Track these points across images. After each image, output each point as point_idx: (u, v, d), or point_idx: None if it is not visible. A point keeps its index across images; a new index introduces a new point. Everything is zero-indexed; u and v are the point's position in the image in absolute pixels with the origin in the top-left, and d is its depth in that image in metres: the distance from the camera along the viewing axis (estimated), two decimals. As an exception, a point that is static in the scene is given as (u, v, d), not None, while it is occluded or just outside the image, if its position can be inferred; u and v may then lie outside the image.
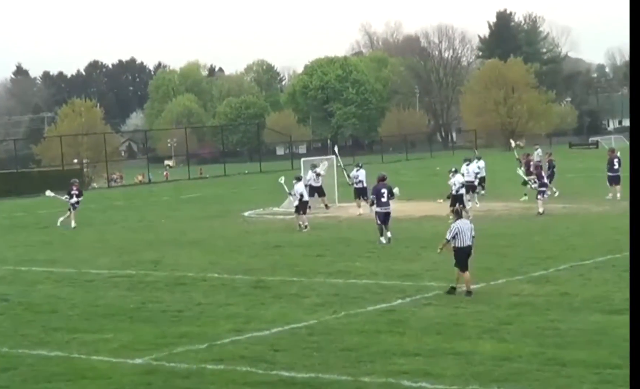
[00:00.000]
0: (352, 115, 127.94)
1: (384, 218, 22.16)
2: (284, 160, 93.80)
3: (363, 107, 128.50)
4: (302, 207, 26.71)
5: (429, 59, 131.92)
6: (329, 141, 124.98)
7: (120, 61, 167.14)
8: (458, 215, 15.60)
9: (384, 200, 22.21)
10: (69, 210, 31.98)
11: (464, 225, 15.24)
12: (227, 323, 13.69)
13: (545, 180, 28.53)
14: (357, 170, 31.65)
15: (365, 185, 30.61)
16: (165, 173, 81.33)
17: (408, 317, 13.47)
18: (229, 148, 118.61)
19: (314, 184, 31.42)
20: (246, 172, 78.17)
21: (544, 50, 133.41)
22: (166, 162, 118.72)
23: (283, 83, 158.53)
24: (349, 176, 32.15)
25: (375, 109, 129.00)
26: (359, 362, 10.96)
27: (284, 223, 29.57)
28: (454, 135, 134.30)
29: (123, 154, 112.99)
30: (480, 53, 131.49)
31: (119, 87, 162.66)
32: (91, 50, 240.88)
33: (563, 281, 15.85)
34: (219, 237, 26.03)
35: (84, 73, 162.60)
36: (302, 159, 35.96)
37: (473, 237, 15.36)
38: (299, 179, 27.85)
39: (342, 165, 34.22)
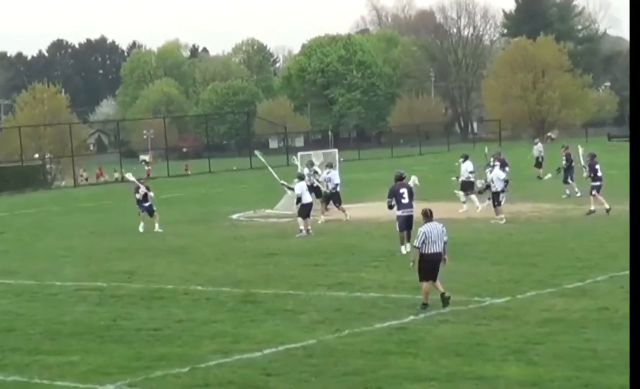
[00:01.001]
0: (356, 103, 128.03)
1: (407, 222, 21.92)
2: (278, 155, 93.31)
3: (369, 93, 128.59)
4: (305, 210, 26.68)
5: (445, 37, 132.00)
6: (330, 132, 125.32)
7: (88, 40, 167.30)
8: (427, 217, 15.60)
9: (404, 201, 22.07)
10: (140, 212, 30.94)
11: (433, 229, 15.36)
12: (212, 343, 13.69)
13: (599, 174, 28.37)
14: (328, 173, 30.36)
15: (337, 188, 30.12)
16: (147, 170, 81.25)
17: (422, 336, 13.47)
18: (214, 140, 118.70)
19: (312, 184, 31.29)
20: (234, 168, 78.17)
21: (579, 27, 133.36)
22: (142, 157, 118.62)
23: (277, 65, 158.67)
24: (318, 183, 30.85)
25: (383, 96, 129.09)
26: (365, 388, 10.95)
27: (278, 227, 29.55)
28: (475, 125, 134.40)
29: (92, 148, 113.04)
30: (505, 31, 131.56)
31: (87, 71, 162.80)
32: (54, 28, 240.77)
33: (601, 295, 15.86)
34: (203, 244, 26.03)
35: (46, 54, 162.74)
36: (299, 153, 36.02)
37: (445, 242, 15.47)
38: (300, 178, 27.81)
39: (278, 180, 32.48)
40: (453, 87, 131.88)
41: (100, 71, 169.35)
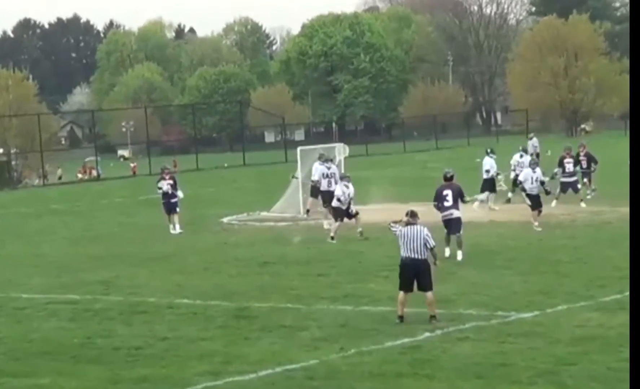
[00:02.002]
0: (364, 91, 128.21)
1: (449, 226, 22.52)
2: (274, 150, 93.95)
3: (379, 79, 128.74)
4: (339, 212, 26.88)
5: (465, 16, 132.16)
6: (334, 124, 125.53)
7: (59, 20, 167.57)
8: (409, 217, 15.87)
9: (447, 204, 22.56)
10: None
11: (413, 233, 15.57)
12: (201, 363, 13.70)
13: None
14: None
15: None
16: (133, 166, 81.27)
17: (438, 355, 13.48)
18: (202, 133, 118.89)
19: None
20: (225, 165, 78.29)
21: (618, 4, 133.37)
22: (120, 152, 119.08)
23: (274, 48, 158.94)
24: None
25: (394, 83, 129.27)
26: (374, 415, 10.99)
27: (275, 232, 29.57)
28: (499, 116, 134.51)
29: (64, 142, 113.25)
30: (534, 9, 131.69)
31: (58, 54, 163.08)
32: (21, 5, 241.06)
33: (642, 309, 15.85)
34: (190, 251, 26.05)
35: (11, 35, 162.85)
36: (299, 148, 35.93)
37: (431, 248, 15.63)
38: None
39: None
40: (474, 72, 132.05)
41: (73, 54, 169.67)
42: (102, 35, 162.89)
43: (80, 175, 77.01)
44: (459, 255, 22.18)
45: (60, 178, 75.34)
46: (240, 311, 17.32)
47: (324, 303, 17.71)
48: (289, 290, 19.16)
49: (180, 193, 31.50)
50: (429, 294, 15.54)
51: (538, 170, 27.35)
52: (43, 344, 15.53)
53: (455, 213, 22.59)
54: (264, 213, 34.17)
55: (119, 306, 18.45)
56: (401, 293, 15.66)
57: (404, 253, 15.68)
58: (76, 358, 14.52)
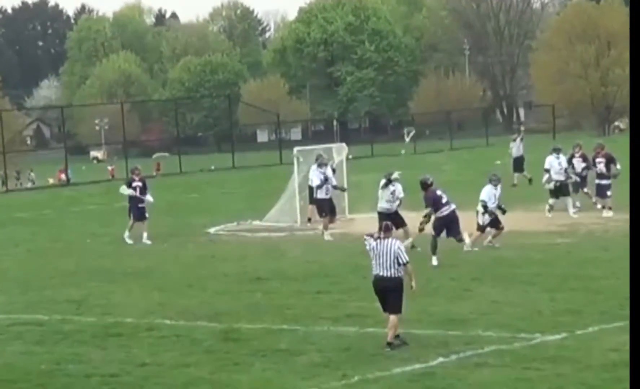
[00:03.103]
0: (369, 83, 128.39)
1: (449, 223, 23.93)
2: (268, 150, 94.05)
3: (386, 70, 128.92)
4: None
5: (483, 0, 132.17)
6: (335, 122, 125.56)
7: (24, 3, 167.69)
8: (383, 231, 16.07)
9: (444, 201, 24.14)
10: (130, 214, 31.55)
11: (384, 247, 15.67)
12: (184, 392, 13.70)
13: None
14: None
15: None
16: (111, 169, 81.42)
17: (453, 384, 13.50)
18: (186, 132, 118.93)
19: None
20: (212, 167, 78.36)
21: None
22: (93, 153, 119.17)
23: (267, 36, 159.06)
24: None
25: (403, 74, 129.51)
26: (381, 451, 10.99)
27: (268, 244, 29.59)
28: (522, 112, 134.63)
29: (29, 142, 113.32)
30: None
31: (23, 43, 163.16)
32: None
33: (684, 330, 15.86)
34: (172, 265, 26.06)
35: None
36: (296, 148, 35.99)
37: (404, 264, 15.65)
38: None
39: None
40: (493, 63, 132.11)
41: (40, 43, 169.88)
42: (72, 21, 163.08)
43: (51, 180, 77.10)
44: (466, 238, 24.32)
45: (33, 183, 75.43)
46: (229, 333, 17.32)
47: (324, 324, 17.70)
48: (285, 310, 19.15)
49: (149, 197, 31.69)
50: (393, 317, 15.57)
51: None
52: (5, 372, 15.53)
53: (452, 206, 24.15)
54: (256, 223, 34.17)
55: (92, 328, 18.45)
56: (385, 313, 15.87)
57: (374, 270, 15.85)
58: (44, 387, 14.53)
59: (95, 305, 20.79)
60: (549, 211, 31.46)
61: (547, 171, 31.31)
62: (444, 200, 24.22)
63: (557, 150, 32.50)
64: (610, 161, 32.22)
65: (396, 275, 15.65)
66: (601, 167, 31.79)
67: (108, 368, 15.33)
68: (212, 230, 33.49)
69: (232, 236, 32.20)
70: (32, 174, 78.24)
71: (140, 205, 31.33)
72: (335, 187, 30.80)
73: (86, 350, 16.72)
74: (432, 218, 24.27)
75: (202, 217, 37.58)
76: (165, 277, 24.18)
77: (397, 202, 26.57)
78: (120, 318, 19.24)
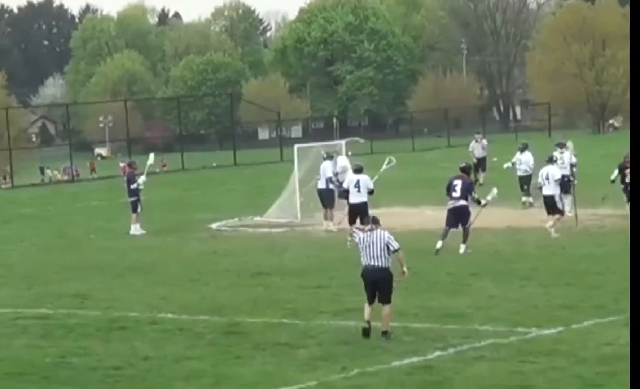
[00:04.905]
0: (368, 82, 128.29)
1: (454, 216, 24.31)
2: (269, 147, 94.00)
3: (385, 69, 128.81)
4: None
5: (481, 0, 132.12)
6: (335, 120, 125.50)
7: (29, 3, 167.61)
8: (371, 223, 16.21)
9: (455, 194, 24.38)
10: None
11: (373, 238, 15.83)
12: (187, 385, 13.72)
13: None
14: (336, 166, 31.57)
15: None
16: (122, 167, 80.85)
17: (451, 377, 13.49)
18: (189, 129, 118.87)
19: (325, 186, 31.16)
20: (214, 164, 78.29)
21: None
22: (98, 150, 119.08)
23: (268, 35, 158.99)
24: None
25: (402, 73, 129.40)
26: (380, 443, 10.99)
27: (269, 239, 29.59)
28: (518, 110, 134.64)
29: (34, 138, 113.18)
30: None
31: (29, 42, 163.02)
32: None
33: (678, 324, 15.85)
34: (175, 260, 26.06)
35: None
36: (296, 146, 35.99)
37: (395, 251, 15.78)
38: (357, 170, 28.63)
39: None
40: (490, 62, 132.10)
41: (46, 42, 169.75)
42: (77, 20, 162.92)
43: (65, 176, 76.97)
44: (461, 248, 23.69)
45: (47, 180, 75.19)
46: (231, 327, 17.33)
47: (323, 318, 17.71)
48: (285, 304, 19.15)
49: (143, 178, 33.04)
50: (386, 307, 15.70)
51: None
52: (11, 365, 15.52)
53: (461, 202, 24.24)
54: (258, 219, 34.16)
55: (96, 322, 18.45)
56: (366, 307, 15.85)
57: (364, 261, 15.87)
58: (49, 379, 14.52)
59: (99, 299, 20.78)
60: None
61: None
62: (454, 194, 24.47)
63: (560, 145, 32.44)
64: None
65: (386, 265, 15.76)
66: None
67: (112, 361, 15.33)
68: (214, 226, 33.49)
69: (234, 232, 32.20)
70: (47, 171, 78.26)
71: (140, 198, 32.57)
72: (339, 184, 30.72)
73: (90, 343, 16.72)
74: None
75: (204, 213, 37.58)
76: (168, 272, 24.19)
77: (366, 194, 27.53)
78: (123, 312, 19.24)
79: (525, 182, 33.39)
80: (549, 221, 26.78)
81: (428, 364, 14.19)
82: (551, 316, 16.77)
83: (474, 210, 25.24)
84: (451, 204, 24.38)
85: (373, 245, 15.78)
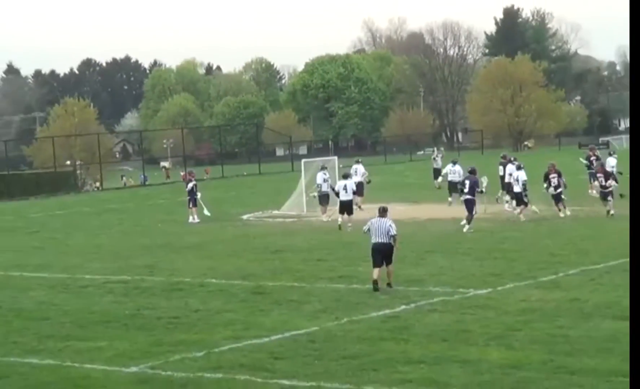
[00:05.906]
0: (354, 115, 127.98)
1: (465, 205, 24.68)
2: (283, 162, 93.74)
3: (366, 106, 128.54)
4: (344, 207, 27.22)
5: (433, 56, 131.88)
6: (330, 141, 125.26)
7: (114, 59, 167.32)
8: (380, 212, 16.65)
9: (465, 189, 24.94)
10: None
11: (380, 223, 16.32)
12: (225, 330, 13.68)
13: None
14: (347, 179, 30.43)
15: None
16: (182, 175, 79.90)
17: (412, 324, 13.46)
18: (226, 149, 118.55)
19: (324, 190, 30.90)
20: (245, 173, 78.14)
21: (553, 47, 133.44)
22: (162, 164, 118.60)
23: (283, 82, 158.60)
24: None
25: (378, 109, 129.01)
26: (362, 370, 10.96)
27: (284, 226, 29.56)
28: (460, 135, 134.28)
29: (117, 155, 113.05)
30: (487, 50, 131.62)
31: (113, 86, 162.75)
32: (84, 48, 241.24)
33: (573, 287, 15.84)
34: (217, 241, 26.02)
35: (76, 72, 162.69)
36: (303, 160, 35.98)
37: (392, 236, 16.13)
38: (345, 177, 28.50)
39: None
40: (440, 101, 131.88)
41: (125, 87, 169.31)
42: (148, 71, 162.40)
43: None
44: (465, 228, 24.39)
45: (125, 185, 75.08)
46: (257, 288, 17.31)
47: (323, 282, 17.70)
48: (295, 272, 19.14)
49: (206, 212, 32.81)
50: (390, 266, 16.23)
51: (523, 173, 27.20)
52: (101, 315, 15.52)
53: (467, 197, 24.63)
54: (275, 212, 34.14)
55: (161, 285, 18.44)
56: (375, 269, 16.11)
57: (374, 239, 16.27)
58: (127, 326, 14.52)
59: (163, 269, 20.77)
60: (499, 201, 30.82)
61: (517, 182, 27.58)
62: (465, 189, 24.91)
63: (505, 157, 32.29)
64: (560, 175, 30.46)
65: (389, 241, 16.20)
66: (555, 181, 29.48)
67: (172, 313, 15.31)
68: (244, 217, 33.47)
69: (259, 221, 32.18)
70: (124, 178, 78.11)
71: (195, 196, 32.71)
72: (332, 188, 30.37)
73: (157, 300, 16.71)
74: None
75: (237, 208, 37.57)
76: (212, 249, 24.17)
77: (351, 194, 27.42)
78: (181, 278, 19.21)
79: (454, 186, 31.36)
80: (517, 210, 27.02)
81: (396, 315, 14.17)
82: (484, 281, 16.75)
83: (479, 201, 25.79)
84: (463, 197, 25.04)
85: (380, 228, 16.28)
